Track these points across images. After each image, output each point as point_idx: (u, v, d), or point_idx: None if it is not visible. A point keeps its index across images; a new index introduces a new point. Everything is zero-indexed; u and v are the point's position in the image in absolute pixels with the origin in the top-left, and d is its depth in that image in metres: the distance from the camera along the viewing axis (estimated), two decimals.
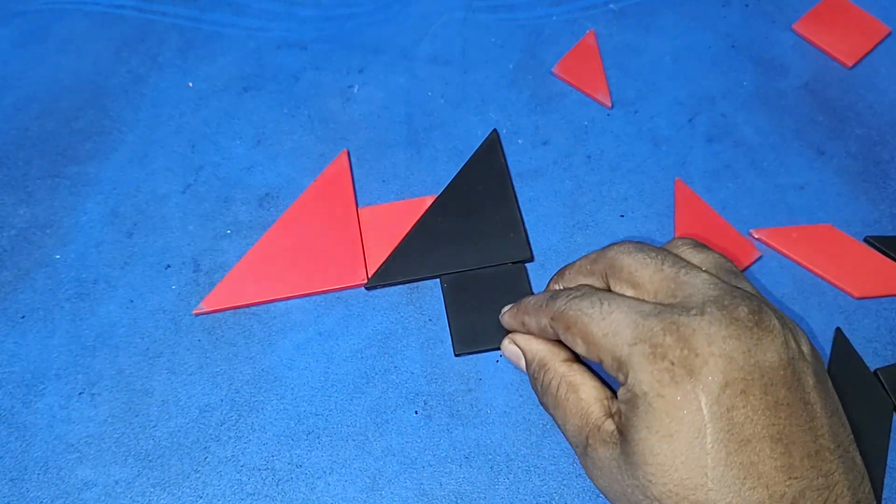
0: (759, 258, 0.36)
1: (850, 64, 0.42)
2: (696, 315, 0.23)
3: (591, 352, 0.25)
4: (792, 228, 0.36)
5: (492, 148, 0.39)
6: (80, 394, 0.33)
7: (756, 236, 0.36)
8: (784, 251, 0.36)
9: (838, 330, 0.34)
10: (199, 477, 0.31)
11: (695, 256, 0.27)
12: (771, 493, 0.21)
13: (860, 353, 0.33)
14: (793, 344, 0.23)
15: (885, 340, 0.34)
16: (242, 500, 0.30)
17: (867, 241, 0.36)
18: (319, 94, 0.42)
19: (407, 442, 0.32)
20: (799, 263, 0.36)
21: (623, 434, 0.24)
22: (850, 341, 0.34)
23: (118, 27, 0.45)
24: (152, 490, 0.31)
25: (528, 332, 0.30)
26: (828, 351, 0.34)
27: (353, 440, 0.32)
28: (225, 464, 0.31)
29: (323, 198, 0.38)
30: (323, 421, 0.32)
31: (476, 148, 0.39)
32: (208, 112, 0.41)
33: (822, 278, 0.35)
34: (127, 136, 0.40)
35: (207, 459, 0.31)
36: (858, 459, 0.24)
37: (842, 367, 0.33)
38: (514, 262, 0.35)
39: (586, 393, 0.26)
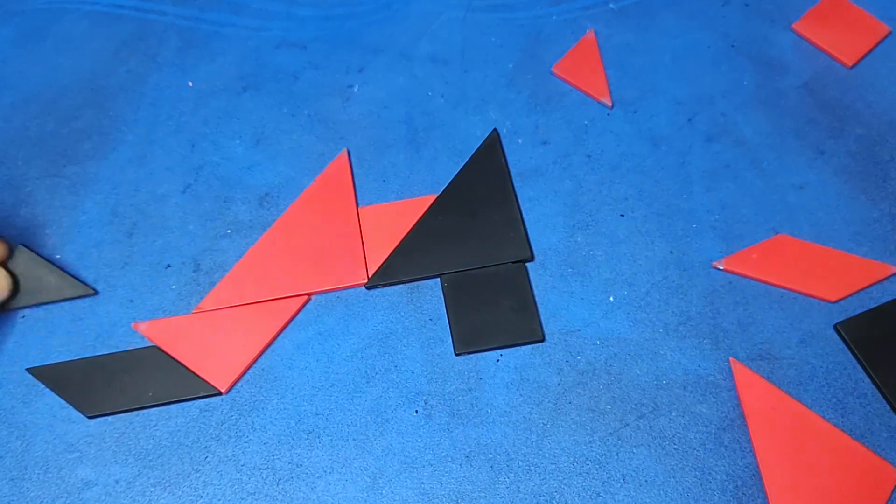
0: None
1: (850, 64, 0.42)
2: None
3: None
4: (750, 249, 0.36)
5: (492, 148, 0.39)
6: None
7: (719, 267, 0.36)
8: (749, 274, 0.35)
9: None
10: (200, 476, 0.31)
11: None
12: None
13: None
14: None
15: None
16: (243, 499, 0.30)
17: None
18: (319, 93, 0.42)
19: (407, 441, 0.32)
20: (767, 283, 0.35)
21: None
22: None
23: (117, 27, 0.45)
24: (152, 490, 0.31)
25: None
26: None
27: (354, 440, 0.32)
28: (225, 463, 0.31)
29: (323, 197, 0.38)
30: (323, 420, 0.32)
31: (476, 148, 0.39)
32: (208, 112, 0.41)
33: (797, 292, 0.35)
34: (126, 135, 0.40)
35: (207, 459, 0.31)
36: None
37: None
38: (514, 262, 0.35)
39: None
